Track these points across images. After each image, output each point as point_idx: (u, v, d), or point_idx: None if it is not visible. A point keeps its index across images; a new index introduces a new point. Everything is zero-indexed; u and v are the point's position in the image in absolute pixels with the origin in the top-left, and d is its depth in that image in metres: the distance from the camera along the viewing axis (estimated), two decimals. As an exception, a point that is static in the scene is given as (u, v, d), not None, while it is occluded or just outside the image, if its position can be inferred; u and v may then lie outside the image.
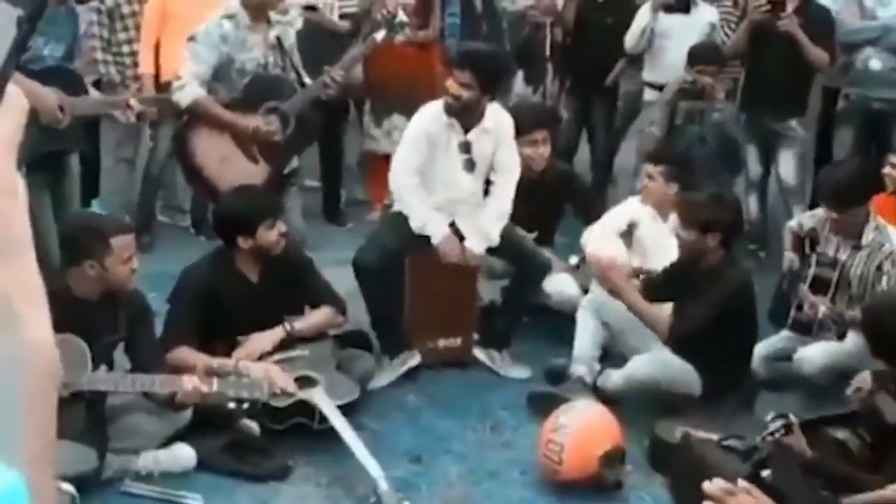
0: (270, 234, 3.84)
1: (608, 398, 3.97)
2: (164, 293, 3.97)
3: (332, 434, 3.62)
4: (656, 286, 4.19)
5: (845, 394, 3.55)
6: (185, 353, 3.71)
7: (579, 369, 4.19)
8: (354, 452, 3.51)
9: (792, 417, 3.30)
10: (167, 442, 3.58)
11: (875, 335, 3.29)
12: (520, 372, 4.43)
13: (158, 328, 3.78)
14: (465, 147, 4.25)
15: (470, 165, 4.28)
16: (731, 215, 4.05)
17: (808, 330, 4.18)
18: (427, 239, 4.29)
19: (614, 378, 4.09)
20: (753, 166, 5.80)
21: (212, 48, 4.37)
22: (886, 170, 4.58)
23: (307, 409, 3.73)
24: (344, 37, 5.80)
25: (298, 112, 4.53)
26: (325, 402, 3.71)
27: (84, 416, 3.36)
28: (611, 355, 4.33)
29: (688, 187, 4.45)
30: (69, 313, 3.37)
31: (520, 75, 6.69)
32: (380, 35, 4.88)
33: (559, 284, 4.61)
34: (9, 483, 0.63)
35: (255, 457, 3.61)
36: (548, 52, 6.47)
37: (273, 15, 4.56)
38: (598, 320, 4.31)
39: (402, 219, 4.31)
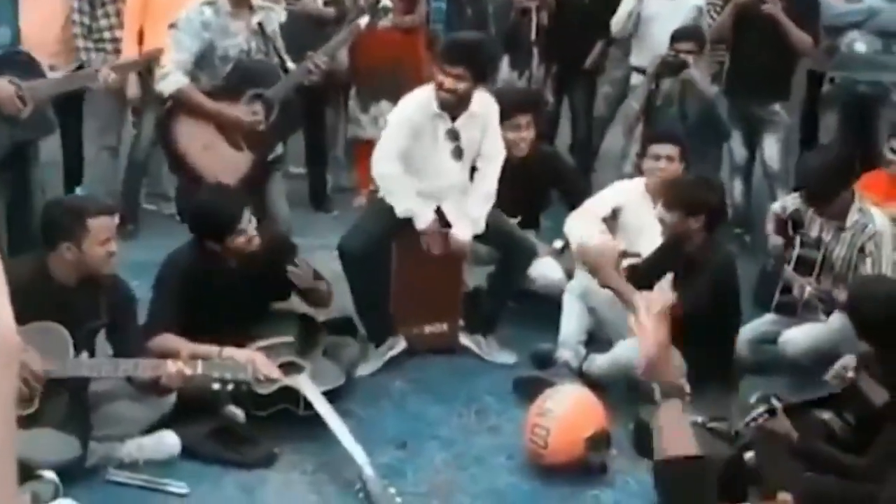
0: (238, 241, 3.79)
1: (594, 382, 3.98)
2: (149, 281, 3.94)
3: (317, 421, 3.61)
4: (642, 273, 4.19)
5: (826, 377, 3.56)
6: (168, 340, 3.69)
7: (565, 354, 4.20)
8: (340, 439, 3.51)
9: (775, 402, 3.31)
10: (151, 429, 3.56)
11: (860, 317, 3.30)
12: (506, 357, 4.44)
13: (143, 316, 3.76)
14: (454, 135, 4.23)
15: (458, 153, 4.27)
16: (715, 198, 4.05)
17: (792, 312, 4.18)
18: (413, 225, 4.28)
19: (600, 362, 4.09)
20: (738, 150, 5.82)
21: (193, 35, 4.34)
22: (889, 156, 4.59)
23: (292, 395, 3.72)
24: (329, 23, 5.77)
25: (282, 98, 4.51)
26: (310, 389, 3.71)
27: (67, 404, 3.34)
28: (596, 340, 4.34)
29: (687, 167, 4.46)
30: (50, 300, 3.37)
31: (506, 60, 6.67)
32: (363, 20, 4.86)
33: (544, 269, 4.61)
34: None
35: (241, 444, 3.61)
36: (533, 37, 6.46)
37: (256, 1, 4.53)
38: (584, 305, 4.32)
39: (387, 205, 4.29)
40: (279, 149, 4.82)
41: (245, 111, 4.44)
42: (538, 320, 4.55)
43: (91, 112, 5.70)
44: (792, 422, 3.30)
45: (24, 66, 4.36)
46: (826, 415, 3.39)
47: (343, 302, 4.27)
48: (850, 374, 3.37)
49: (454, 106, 4.18)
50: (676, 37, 5.33)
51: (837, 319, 3.95)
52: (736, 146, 5.80)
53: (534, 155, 4.74)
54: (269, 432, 3.68)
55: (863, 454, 3.17)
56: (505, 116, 4.47)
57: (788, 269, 4.21)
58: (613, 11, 5.85)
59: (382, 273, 4.30)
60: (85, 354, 3.41)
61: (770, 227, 4.57)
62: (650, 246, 4.28)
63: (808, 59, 5.78)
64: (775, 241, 4.50)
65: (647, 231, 4.38)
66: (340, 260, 4.21)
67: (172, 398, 3.56)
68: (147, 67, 5.03)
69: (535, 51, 6.53)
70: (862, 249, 4.11)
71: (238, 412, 3.71)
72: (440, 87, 4.13)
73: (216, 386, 3.40)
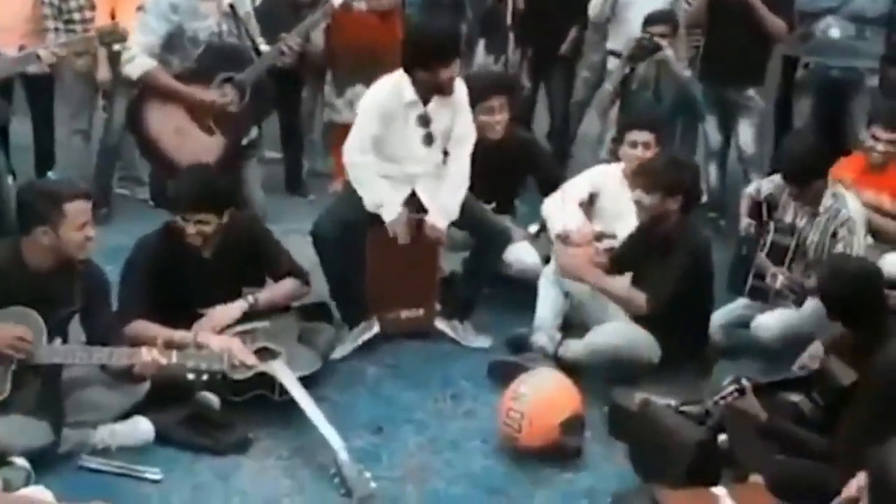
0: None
1: (569, 367, 3.99)
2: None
3: (292, 406, 3.61)
4: (621, 258, 4.21)
5: (794, 367, 3.59)
6: (143, 326, 3.67)
7: (540, 338, 4.21)
8: (315, 424, 3.51)
9: (745, 381, 3.34)
10: (125, 416, 3.54)
11: (829, 296, 3.33)
12: (481, 341, 4.44)
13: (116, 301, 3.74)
14: (424, 121, 4.20)
15: (428, 140, 4.23)
16: (691, 178, 4.08)
17: (765, 297, 4.21)
18: (387, 208, 4.26)
19: (575, 347, 4.11)
20: (713, 135, 5.84)
21: (161, 18, 4.28)
22: (869, 143, 4.61)
23: (268, 381, 3.71)
24: (304, 5, 5.72)
25: (254, 81, 4.48)
26: (285, 374, 3.70)
27: (39, 390, 3.32)
28: (572, 324, 4.35)
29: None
30: (23, 286, 3.34)
31: (481, 44, 6.66)
32: (337, 1, 4.83)
33: (519, 253, 4.61)
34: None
35: (215, 430, 3.59)
36: (509, 21, 6.44)
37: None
38: (559, 290, 4.33)
39: (361, 191, 4.27)
40: (254, 133, 4.79)
41: (216, 94, 4.39)
42: (513, 305, 4.55)
43: (62, 96, 5.64)
44: (761, 402, 3.33)
45: None
46: (795, 396, 3.42)
47: (319, 287, 4.25)
48: (816, 365, 3.41)
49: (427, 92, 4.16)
50: (650, 20, 5.35)
51: (809, 305, 3.98)
52: (711, 131, 5.82)
53: (509, 139, 4.73)
54: (245, 418, 3.67)
55: (831, 434, 3.20)
56: (478, 99, 4.45)
57: (761, 256, 4.23)
58: (590, -4, 5.84)
59: (356, 257, 4.28)
60: (58, 340, 3.39)
61: (744, 208, 4.60)
62: (627, 230, 4.29)
63: (782, 45, 5.80)
64: (747, 222, 4.52)
65: (624, 216, 4.40)
66: (313, 244, 4.19)
67: (146, 385, 3.54)
68: (110, 48, 4.89)
69: (511, 35, 6.53)
70: (834, 235, 4.14)
71: (213, 398, 3.69)
72: (430, 80, 4.07)
73: (191, 376, 3.38)
